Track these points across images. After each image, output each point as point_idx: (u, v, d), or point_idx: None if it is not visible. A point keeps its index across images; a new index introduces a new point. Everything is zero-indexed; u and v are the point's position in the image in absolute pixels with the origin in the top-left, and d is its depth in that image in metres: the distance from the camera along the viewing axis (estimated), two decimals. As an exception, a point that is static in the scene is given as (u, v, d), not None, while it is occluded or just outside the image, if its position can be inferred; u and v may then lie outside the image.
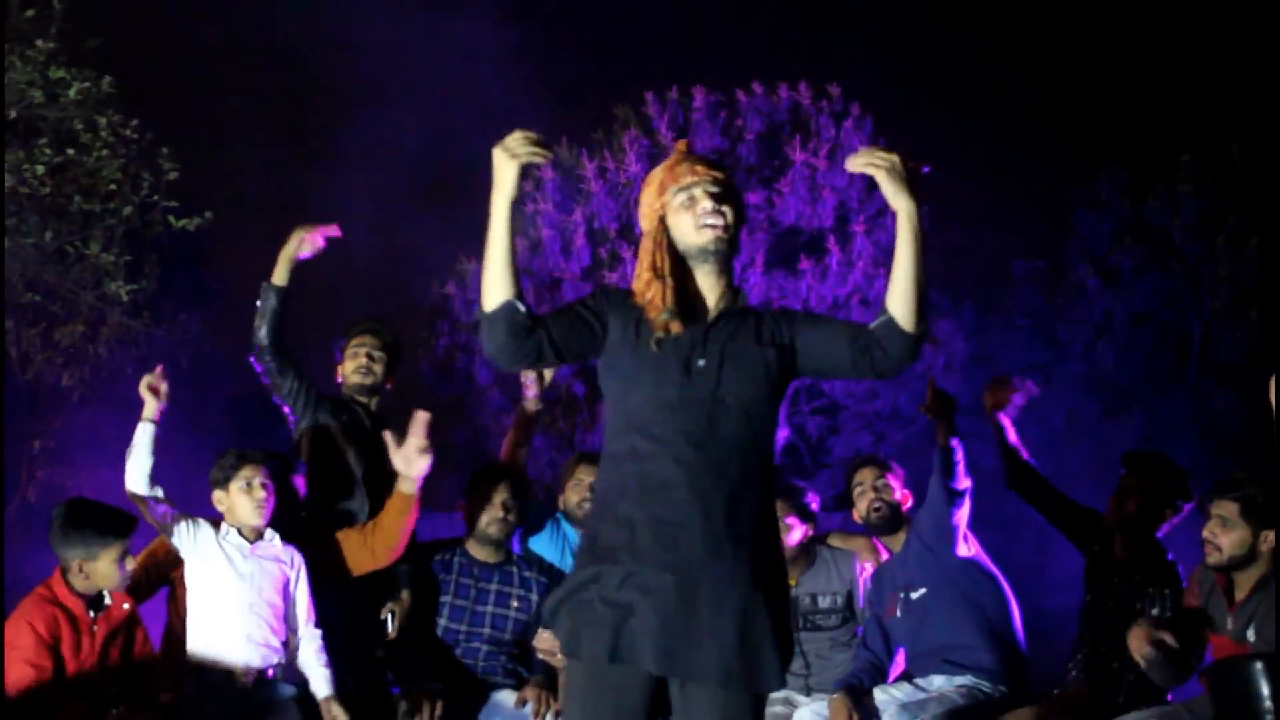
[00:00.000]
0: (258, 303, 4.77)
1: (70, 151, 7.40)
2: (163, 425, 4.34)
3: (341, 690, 4.45)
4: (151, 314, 10.17)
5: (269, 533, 4.45)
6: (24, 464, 11.84)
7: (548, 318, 3.01)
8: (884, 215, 13.58)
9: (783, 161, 13.47)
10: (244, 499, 4.37)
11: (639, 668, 2.83)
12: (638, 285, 3.05)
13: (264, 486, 4.39)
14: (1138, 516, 4.65)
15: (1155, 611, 4.37)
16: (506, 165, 2.96)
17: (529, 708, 4.49)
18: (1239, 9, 15.40)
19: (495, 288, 2.93)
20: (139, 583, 4.65)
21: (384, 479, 4.70)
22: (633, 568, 2.85)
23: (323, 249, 4.81)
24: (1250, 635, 3.84)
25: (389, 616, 4.63)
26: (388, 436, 4.51)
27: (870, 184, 13.54)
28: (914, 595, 4.70)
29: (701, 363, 2.95)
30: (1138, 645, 3.91)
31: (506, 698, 4.63)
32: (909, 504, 4.98)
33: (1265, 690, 2.93)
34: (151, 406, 4.34)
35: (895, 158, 2.93)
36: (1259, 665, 2.99)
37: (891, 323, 2.98)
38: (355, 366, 4.92)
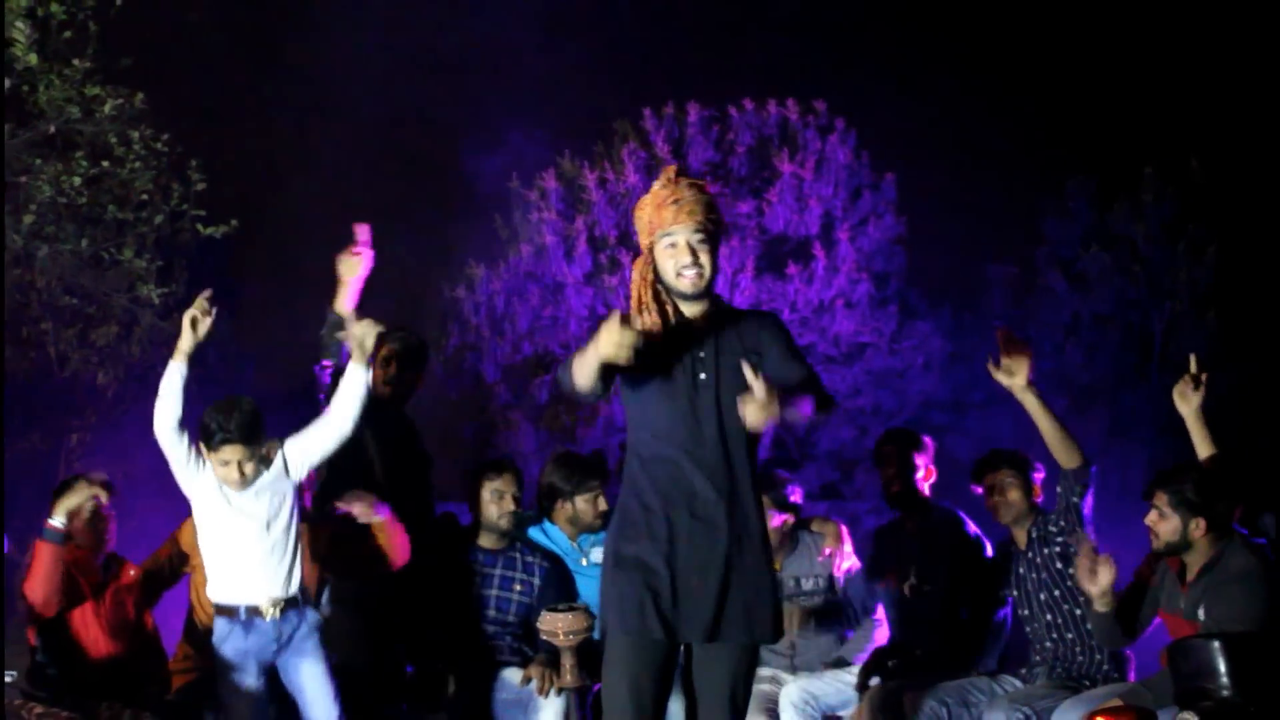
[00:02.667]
0: (323, 331, 4.61)
1: (105, 164, 7.40)
2: (197, 365, 4.09)
3: (358, 670, 4.44)
4: (181, 316, 10.16)
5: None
6: (61, 457, 11.84)
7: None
8: (866, 224, 13.60)
9: (771, 173, 13.47)
10: (222, 470, 4.01)
11: (674, 640, 3.16)
12: (633, 309, 3.28)
13: (239, 467, 4.00)
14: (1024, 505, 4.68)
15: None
16: (611, 353, 3.01)
17: (534, 684, 4.49)
18: (1199, 31, 15.46)
19: (582, 381, 3.12)
20: (159, 574, 4.70)
21: (407, 478, 4.71)
22: (664, 555, 3.16)
23: (365, 257, 4.62)
24: (1200, 614, 3.89)
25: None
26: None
27: (853, 194, 13.69)
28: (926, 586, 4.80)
29: (704, 376, 3.24)
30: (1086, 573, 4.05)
31: (513, 675, 4.63)
32: (932, 479, 5.00)
33: (1223, 668, 2.94)
34: (187, 340, 4.09)
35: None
36: (1217, 645, 3.00)
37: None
38: (386, 376, 4.84)
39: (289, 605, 4.11)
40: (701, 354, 3.26)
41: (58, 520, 4.21)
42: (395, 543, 4.42)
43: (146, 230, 7.77)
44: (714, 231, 3.27)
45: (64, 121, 7.15)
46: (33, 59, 6.82)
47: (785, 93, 13.93)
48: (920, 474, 4.94)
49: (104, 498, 4.34)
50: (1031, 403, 4.33)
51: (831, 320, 13.19)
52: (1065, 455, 4.38)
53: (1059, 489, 4.51)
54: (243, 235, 8.08)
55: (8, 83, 6.74)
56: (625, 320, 3.06)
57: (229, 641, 4.06)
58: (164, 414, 4.04)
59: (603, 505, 4.97)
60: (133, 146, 7.39)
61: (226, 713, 4.12)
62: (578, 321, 13.19)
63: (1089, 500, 4.47)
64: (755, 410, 2.98)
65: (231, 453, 4.00)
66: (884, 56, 17.85)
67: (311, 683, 4.15)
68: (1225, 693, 2.89)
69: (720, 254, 3.37)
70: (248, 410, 4.10)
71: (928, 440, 5.01)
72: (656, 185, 3.30)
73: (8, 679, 4.20)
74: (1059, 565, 4.50)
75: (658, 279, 3.28)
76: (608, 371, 3.15)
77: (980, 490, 4.70)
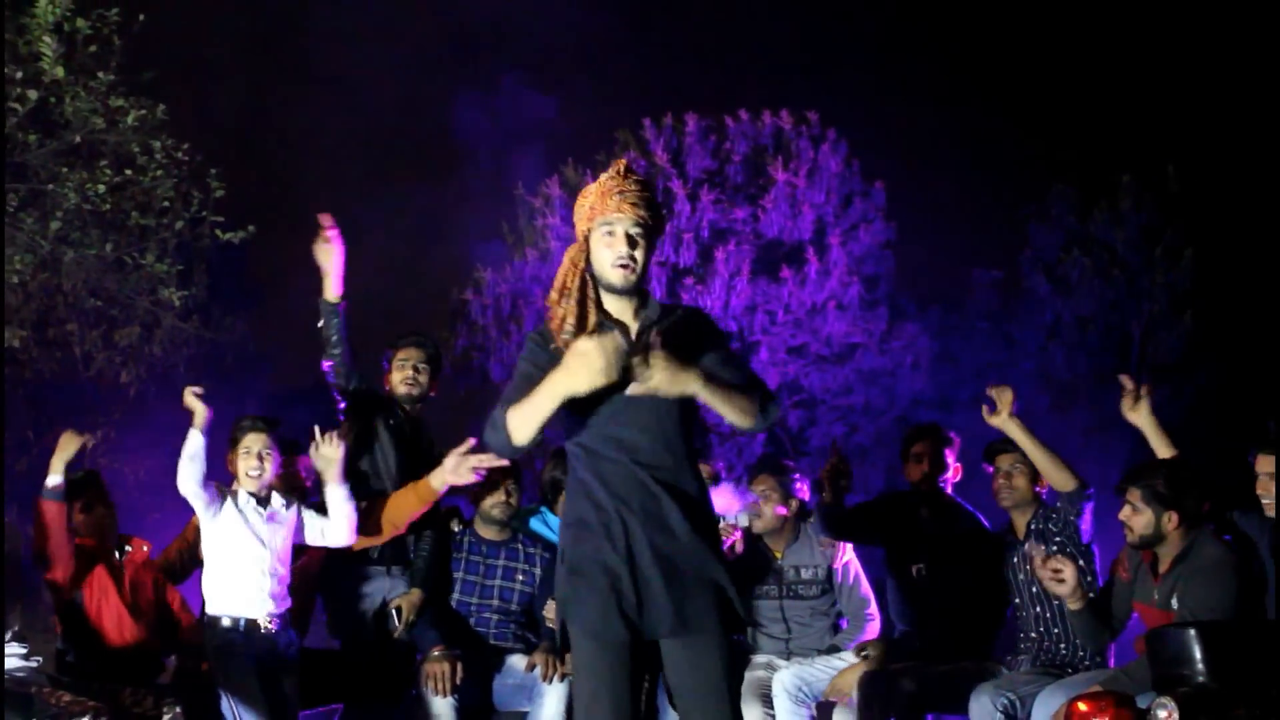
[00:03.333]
0: (319, 324, 4.69)
1: (128, 172, 7.40)
2: (209, 433, 4.28)
3: (365, 656, 4.48)
4: (201, 317, 10.19)
5: (275, 496, 4.44)
6: (86, 451, 11.85)
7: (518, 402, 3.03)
8: (856, 229, 13.62)
9: (766, 180, 13.48)
10: (242, 463, 4.36)
11: (634, 637, 2.96)
12: (550, 297, 3.13)
13: (260, 457, 4.37)
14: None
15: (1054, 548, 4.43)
16: (583, 382, 2.87)
17: (538, 671, 4.48)
18: (1176, 43, 15.47)
19: (529, 432, 2.96)
20: (175, 565, 4.71)
21: (416, 473, 4.67)
22: (622, 554, 2.98)
23: (336, 242, 4.63)
24: (1174, 603, 3.90)
25: (395, 612, 4.55)
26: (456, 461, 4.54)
27: (845, 201, 13.70)
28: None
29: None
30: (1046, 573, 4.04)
31: (518, 661, 4.62)
32: (958, 475, 4.92)
33: (1198, 654, 2.93)
34: (200, 415, 4.30)
35: None
36: (1192, 632, 3.00)
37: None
38: (402, 378, 4.82)
39: (279, 622, 4.33)
40: (631, 349, 2.99)
41: (54, 478, 4.33)
42: (418, 509, 4.61)
43: (168, 236, 7.77)
44: (652, 228, 3.08)
45: (89, 132, 7.16)
46: (59, 72, 6.83)
47: (779, 104, 14.00)
48: (949, 472, 4.88)
49: (90, 443, 4.54)
50: (1017, 433, 4.38)
51: (824, 322, 13.21)
52: (1059, 480, 4.39)
53: (1058, 504, 4.53)
54: (260, 240, 8.07)
55: (34, 95, 6.74)
56: (595, 332, 2.94)
57: (229, 645, 4.26)
58: (187, 476, 4.28)
59: None
60: (154, 156, 7.39)
61: (233, 694, 4.18)
62: (581, 322, 13.24)
63: (1087, 519, 4.48)
64: (658, 374, 2.82)
65: (254, 440, 4.34)
66: (874, 69, 17.87)
67: (286, 698, 4.31)
68: (1201, 679, 2.89)
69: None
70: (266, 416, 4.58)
71: (955, 437, 4.96)
72: (604, 176, 3.12)
73: (34, 663, 4.18)
74: None
75: (588, 267, 3.09)
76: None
77: (990, 470, 4.67)
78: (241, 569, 4.30)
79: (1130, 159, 14.05)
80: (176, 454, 4.26)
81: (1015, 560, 4.62)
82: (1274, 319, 13.38)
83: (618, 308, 3.11)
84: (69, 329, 10.76)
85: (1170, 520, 3.93)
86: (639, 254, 3.05)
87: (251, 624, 4.28)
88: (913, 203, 14.07)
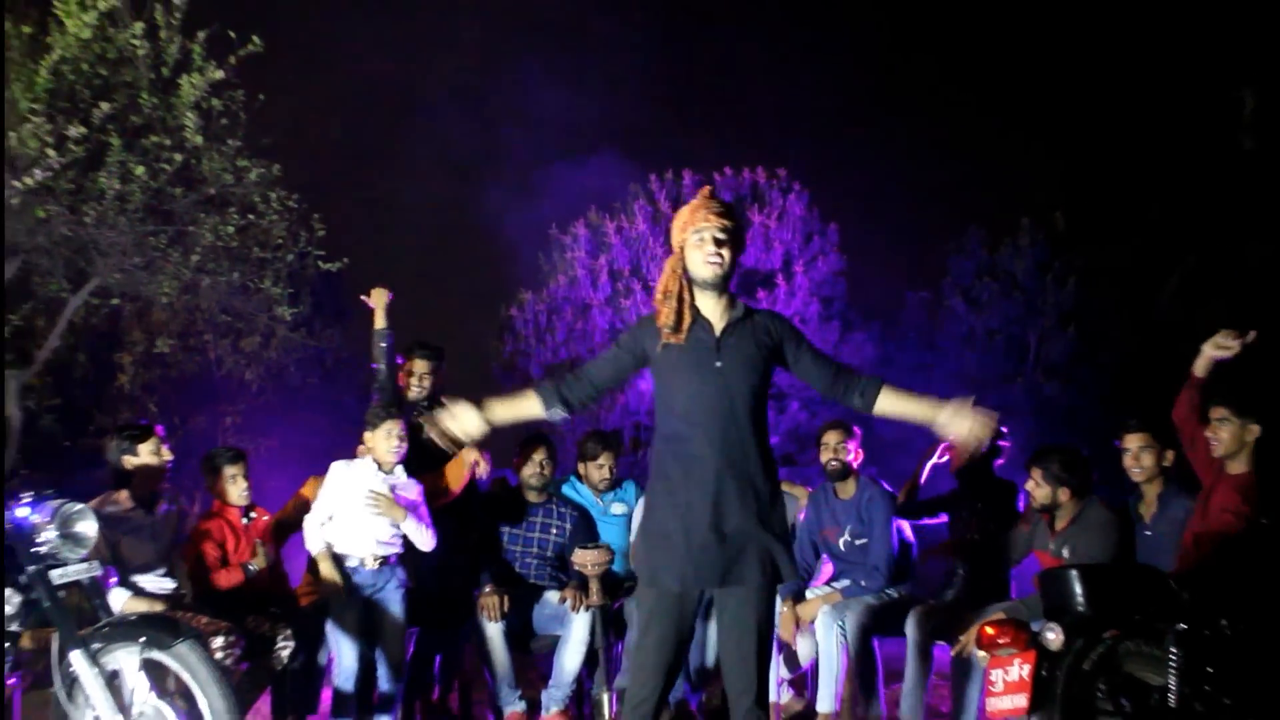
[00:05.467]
0: (378, 345, 4.82)
1: (251, 216, 7.41)
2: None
3: (436, 591, 4.44)
4: (306, 329, 10.20)
5: (399, 469, 4.36)
6: (218, 433, 11.89)
7: (590, 369, 3.09)
8: (815, 260, 13.60)
9: (745, 222, 13.48)
10: (385, 443, 4.29)
11: (684, 589, 2.88)
12: (655, 299, 3.00)
13: (400, 437, 4.30)
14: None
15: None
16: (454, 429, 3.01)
17: (568, 603, 4.49)
18: (1062, 121, 15.56)
19: (531, 410, 3.04)
20: (286, 522, 4.68)
21: (436, 455, 4.59)
22: (681, 519, 2.88)
23: (389, 295, 4.93)
24: (1065, 553, 3.93)
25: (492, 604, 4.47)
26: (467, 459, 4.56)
27: (806, 238, 13.69)
28: (857, 542, 4.57)
29: (720, 364, 2.93)
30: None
31: (552, 596, 4.63)
32: (859, 460, 4.70)
33: (1079, 590, 2.94)
34: (330, 576, 4.17)
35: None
36: (1074, 573, 3.00)
37: (867, 404, 2.99)
38: (413, 385, 4.84)
39: (383, 563, 4.23)
40: (719, 342, 2.95)
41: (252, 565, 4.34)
42: (456, 475, 4.61)
43: (281, 266, 7.78)
44: (735, 233, 2.97)
45: (221, 186, 7.17)
46: (198, 140, 6.85)
47: (756, 162, 14.07)
48: (1001, 459, 4.70)
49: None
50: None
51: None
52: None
53: None
54: (351, 269, 8.10)
55: (179, 157, 6.78)
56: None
57: (343, 578, 4.19)
58: (313, 545, 4.26)
59: (606, 473, 4.93)
60: (271, 204, 7.41)
61: (338, 621, 4.16)
62: (600, 333, 13.23)
63: None
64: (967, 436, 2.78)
65: (393, 425, 4.28)
66: (830, 136, 17.99)
67: (390, 622, 4.22)
68: (1081, 608, 2.90)
69: None
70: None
71: (857, 429, 4.80)
72: (694, 200, 3.03)
73: (181, 593, 4.20)
74: None
75: (685, 273, 2.97)
76: (607, 374, 3.05)
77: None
78: (358, 516, 4.22)
79: (1028, 206, 14.22)
80: (286, 436, 4.21)
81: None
82: (1139, 332, 13.49)
83: (708, 306, 3.00)
84: (206, 338, 10.83)
85: (1064, 493, 3.97)
86: (725, 252, 2.94)
87: (360, 560, 4.21)
88: (860, 239, 14.12)
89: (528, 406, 3.06)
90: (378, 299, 4.93)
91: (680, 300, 2.95)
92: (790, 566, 2.93)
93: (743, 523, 2.87)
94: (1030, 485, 4.05)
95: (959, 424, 2.83)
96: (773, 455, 3.02)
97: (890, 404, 2.97)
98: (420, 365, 4.83)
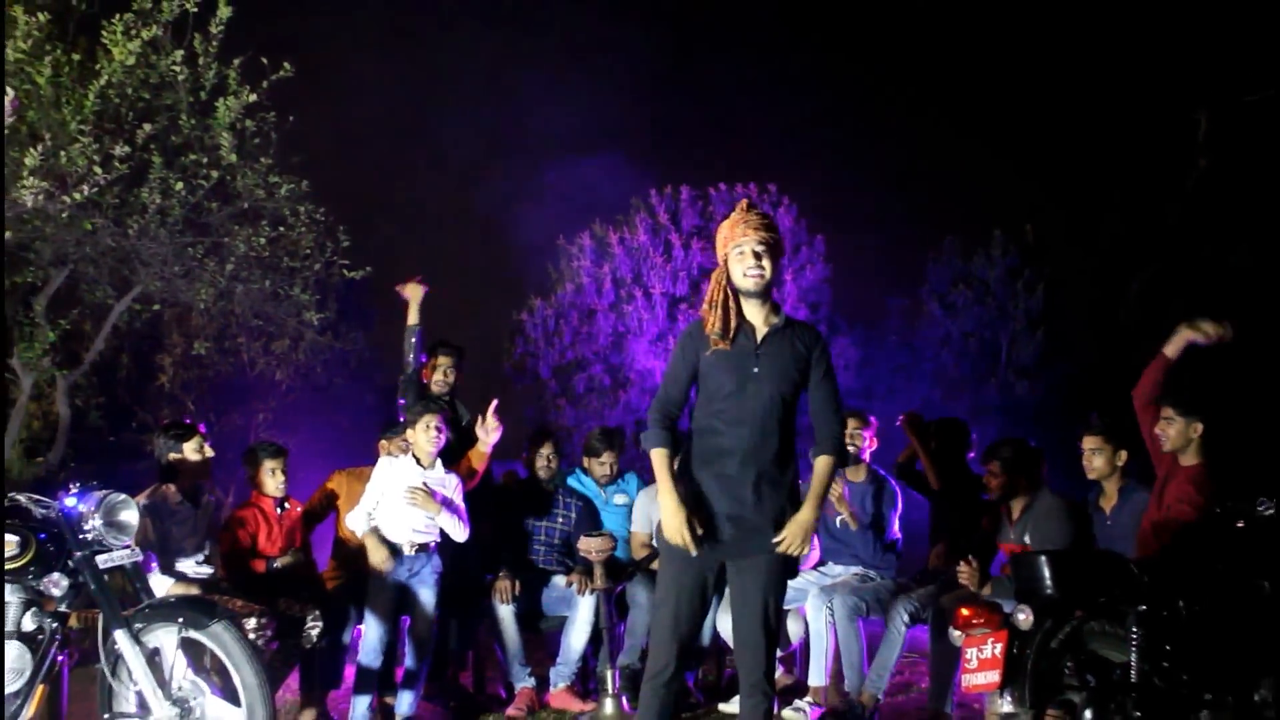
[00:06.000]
0: (409, 340, 4.76)
1: (281, 229, 7.38)
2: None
3: (453, 576, 4.41)
4: (332, 333, 10.19)
5: (438, 464, 4.28)
6: (252, 429, 11.89)
7: (672, 392, 3.03)
8: (804, 269, 13.58)
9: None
10: (424, 435, 4.24)
11: (701, 561, 2.91)
12: (703, 309, 3.00)
13: (439, 429, 4.25)
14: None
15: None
16: (667, 534, 2.91)
17: (574, 587, 4.48)
18: (1032, 140, 15.58)
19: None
20: (313, 512, 4.69)
21: (460, 445, 4.65)
22: (705, 499, 2.93)
23: (421, 285, 4.80)
24: (1026, 539, 3.94)
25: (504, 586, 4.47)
26: (480, 418, 4.51)
27: (795, 249, 13.68)
28: (852, 526, 4.53)
29: (757, 370, 2.94)
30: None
31: (559, 580, 4.64)
32: (873, 448, 4.65)
33: (1047, 573, 2.93)
34: (378, 552, 4.12)
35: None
36: (1043, 558, 3.00)
37: (813, 455, 3.05)
38: (438, 379, 4.82)
39: (420, 550, 4.20)
40: (758, 349, 2.95)
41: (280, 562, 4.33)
42: (480, 466, 4.59)
43: (309, 274, 7.75)
44: (774, 244, 2.94)
45: (254, 200, 7.16)
46: (233, 158, 6.84)
47: (748, 178, 14.03)
48: (971, 452, 4.70)
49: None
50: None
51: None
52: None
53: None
54: (374, 277, 8.09)
55: (215, 174, 6.78)
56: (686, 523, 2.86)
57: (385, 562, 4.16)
58: (358, 526, 4.22)
59: (608, 469, 4.91)
60: (300, 217, 7.39)
61: (372, 601, 4.14)
62: (604, 335, 13.23)
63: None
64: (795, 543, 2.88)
65: (432, 418, 4.22)
66: (817, 153, 17.98)
67: (421, 604, 4.19)
68: (1049, 591, 2.89)
69: (703, 289, 3.17)
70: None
71: (873, 419, 4.72)
72: (734, 213, 2.99)
73: (216, 577, 4.21)
74: None
75: (729, 283, 2.95)
76: (683, 384, 2.99)
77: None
78: (397, 506, 4.19)
79: (1000, 220, 14.22)
80: (315, 431, 4.19)
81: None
82: (1102, 335, 13.47)
83: (751, 312, 3.00)
84: (239, 341, 10.79)
85: (1020, 483, 3.98)
86: (765, 263, 2.92)
87: (395, 548, 4.17)
88: (844, 250, 14.12)
89: (667, 466, 2.96)
90: (413, 293, 4.80)
91: (726, 309, 2.93)
92: (796, 560, 2.98)
93: (760, 513, 2.90)
94: (988, 479, 4.07)
95: (789, 533, 2.91)
96: (795, 455, 3.05)
97: (815, 471, 3.05)
98: (444, 361, 4.83)
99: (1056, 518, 3.89)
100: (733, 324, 2.94)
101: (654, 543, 3.10)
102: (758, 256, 2.91)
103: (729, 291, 2.95)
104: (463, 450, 4.61)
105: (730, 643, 3.39)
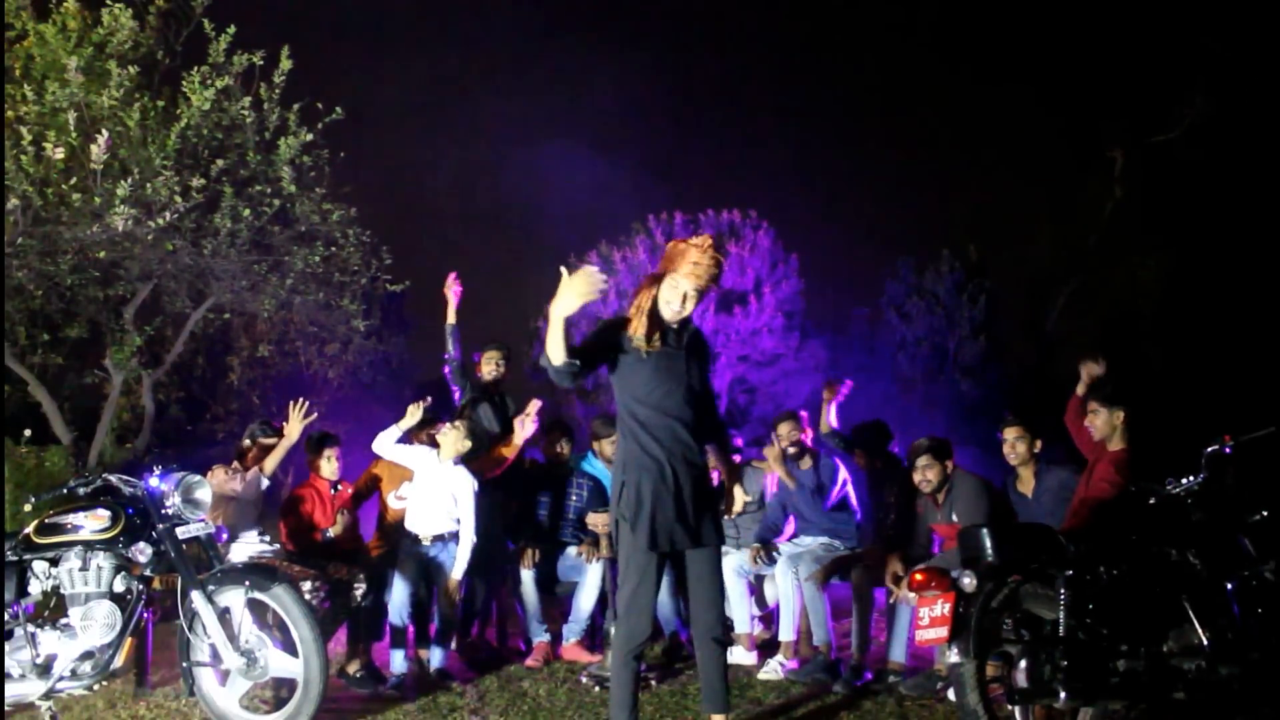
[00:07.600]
0: (450, 336, 4.72)
1: (333, 249, 7.41)
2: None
3: (484, 542, 4.35)
4: (377, 337, 10.19)
5: (453, 462, 4.28)
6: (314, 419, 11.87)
7: (583, 349, 2.71)
8: (780, 283, 13.59)
9: (724, 253, 13.42)
10: (454, 442, 4.24)
11: (662, 550, 2.76)
12: (630, 310, 2.82)
13: (464, 448, 4.25)
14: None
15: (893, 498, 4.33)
16: (569, 302, 2.54)
17: (584, 555, 4.48)
18: (973, 168, 15.60)
19: (557, 352, 2.62)
20: (360, 493, 4.67)
21: (507, 429, 4.68)
22: (646, 494, 2.75)
23: (460, 291, 4.72)
24: (954, 517, 3.94)
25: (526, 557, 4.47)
26: (522, 418, 4.50)
27: (773, 265, 13.69)
28: (814, 498, 4.51)
29: (675, 365, 2.81)
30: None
31: (572, 550, 4.62)
32: (810, 437, 4.63)
33: (989, 545, 2.92)
34: (412, 417, 4.16)
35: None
36: (985, 530, 2.99)
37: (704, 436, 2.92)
38: (490, 370, 4.84)
39: (437, 539, 4.19)
40: (680, 348, 2.81)
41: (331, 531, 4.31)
42: (508, 457, 4.56)
43: (357, 288, 7.77)
44: (705, 291, 2.79)
45: (310, 224, 7.18)
46: (293, 188, 6.87)
47: (733, 204, 14.07)
48: (894, 440, 4.65)
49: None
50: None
51: (759, 340, 13.19)
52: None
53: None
54: (412, 290, 8.10)
55: (277, 202, 6.78)
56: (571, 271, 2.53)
57: (409, 548, 4.19)
58: (384, 447, 4.21)
59: (613, 449, 4.89)
60: (349, 238, 7.41)
61: (400, 566, 4.15)
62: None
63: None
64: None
65: (468, 441, 4.26)
66: (792, 182, 18.00)
67: (443, 580, 4.18)
68: (990, 559, 2.89)
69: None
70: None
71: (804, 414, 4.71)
72: (695, 240, 2.76)
73: (274, 548, 4.20)
74: None
75: (656, 295, 2.79)
76: (588, 356, 2.68)
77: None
78: (421, 496, 4.20)
79: (948, 241, 14.24)
80: (360, 424, 4.19)
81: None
82: (1034, 340, 13.52)
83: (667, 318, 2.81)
84: (297, 345, 10.81)
85: (948, 469, 3.98)
86: (689, 305, 2.77)
87: (415, 537, 4.18)
88: (815, 266, 14.16)
89: (562, 339, 2.63)
90: (451, 293, 4.69)
91: (651, 317, 2.77)
92: (721, 530, 2.86)
93: (695, 493, 2.77)
94: (921, 470, 4.02)
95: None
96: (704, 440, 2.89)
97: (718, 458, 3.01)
98: (495, 354, 4.86)
99: (975, 495, 3.93)
100: (656, 333, 2.77)
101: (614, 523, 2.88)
102: (685, 299, 2.74)
103: (654, 300, 2.78)
104: (504, 436, 4.62)
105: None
